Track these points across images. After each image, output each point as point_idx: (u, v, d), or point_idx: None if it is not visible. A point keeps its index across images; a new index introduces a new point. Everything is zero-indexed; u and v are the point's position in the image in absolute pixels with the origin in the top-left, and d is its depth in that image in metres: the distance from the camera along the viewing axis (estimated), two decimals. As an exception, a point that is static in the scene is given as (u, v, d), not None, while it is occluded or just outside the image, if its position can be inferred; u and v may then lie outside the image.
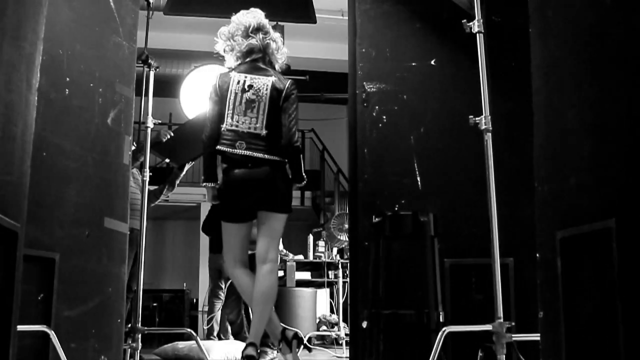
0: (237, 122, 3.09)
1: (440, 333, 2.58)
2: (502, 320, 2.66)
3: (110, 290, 3.17)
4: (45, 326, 2.62)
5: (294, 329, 3.19)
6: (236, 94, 3.11)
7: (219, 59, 3.41)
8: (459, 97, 3.40)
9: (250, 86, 3.12)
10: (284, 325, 3.13)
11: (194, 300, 11.25)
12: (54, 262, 2.80)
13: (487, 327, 2.64)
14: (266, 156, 3.06)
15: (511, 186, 3.09)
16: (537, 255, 2.28)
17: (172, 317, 10.15)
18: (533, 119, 3.41)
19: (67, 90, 3.02)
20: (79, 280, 3.00)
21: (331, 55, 9.72)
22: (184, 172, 4.98)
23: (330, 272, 7.37)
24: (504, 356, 2.64)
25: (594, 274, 1.91)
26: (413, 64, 3.46)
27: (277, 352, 3.13)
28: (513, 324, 2.67)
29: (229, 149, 3.08)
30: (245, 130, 3.08)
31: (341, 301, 6.38)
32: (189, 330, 4.04)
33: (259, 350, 2.94)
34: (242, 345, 5.16)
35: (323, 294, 7.64)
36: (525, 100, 3.41)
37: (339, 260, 6.61)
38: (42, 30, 2.23)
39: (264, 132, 3.08)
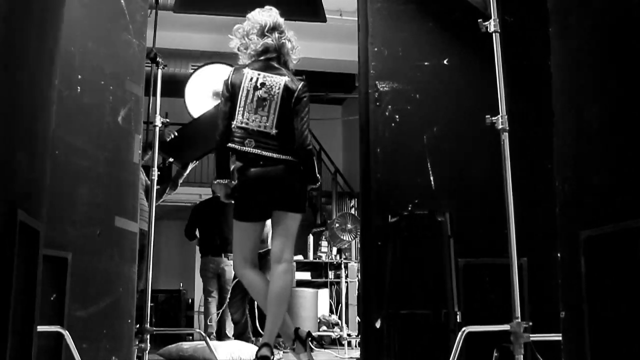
0: (248, 119, 3.07)
1: (460, 333, 2.58)
2: (520, 320, 2.65)
3: (121, 290, 3.14)
4: (59, 327, 2.58)
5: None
6: (248, 91, 3.09)
7: (233, 56, 3.39)
8: (472, 96, 3.40)
9: (263, 84, 3.10)
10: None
11: (189, 301, 11.20)
12: (66, 262, 2.76)
13: (505, 327, 2.63)
14: (275, 155, 3.04)
15: (523, 186, 3.08)
16: (559, 255, 2.27)
17: (168, 318, 10.07)
18: (545, 118, 3.42)
19: (79, 87, 2.99)
20: (91, 280, 2.97)
21: (328, 55, 9.71)
22: (187, 172, 4.95)
23: (330, 272, 7.36)
24: (522, 356, 2.64)
25: (619, 273, 1.90)
26: (425, 63, 3.45)
27: (291, 351, 3.10)
28: (530, 323, 2.66)
29: (238, 146, 3.06)
30: (255, 129, 3.06)
31: (343, 301, 6.37)
32: (198, 330, 4.01)
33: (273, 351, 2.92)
34: (246, 345, 5.17)
35: (322, 294, 7.61)
36: (536, 100, 3.43)
37: (342, 260, 6.60)
38: (61, 25, 2.20)
39: (274, 131, 3.06)
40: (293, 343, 3.03)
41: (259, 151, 3.03)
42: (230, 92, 3.12)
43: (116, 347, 3.08)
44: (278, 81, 3.11)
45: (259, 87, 3.09)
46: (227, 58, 7.77)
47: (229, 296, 5.96)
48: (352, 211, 8.87)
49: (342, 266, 6.48)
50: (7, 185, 1.68)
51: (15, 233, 1.69)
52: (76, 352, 2.58)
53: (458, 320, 2.80)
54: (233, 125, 3.08)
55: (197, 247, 6.89)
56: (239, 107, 3.08)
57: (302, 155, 3.08)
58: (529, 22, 3.38)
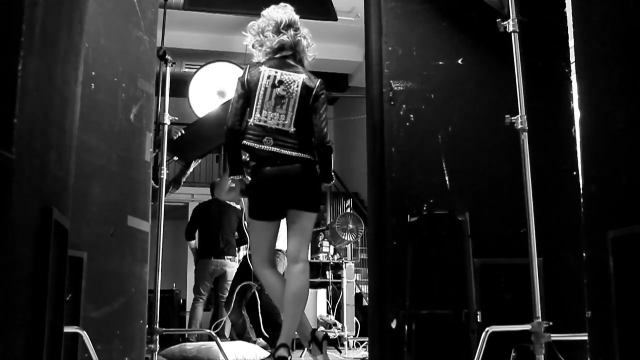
0: (266, 117, 3.04)
1: (484, 333, 2.57)
2: (540, 319, 2.65)
3: (133, 290, 3.10)
4: (77, 327, 2.53)
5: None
6: (266, 88, 3.06)
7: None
8: (487, 96, 3.40)
9: (281, 82, 3.07)
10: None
11: (181, 301, 11.10)
12: (81, 261, 2.71)
13: (527, 326, 2.63)
14: (294, 154, 3.02)
15: (538, 186, 3.08)
16: (584, 254, 2.26)
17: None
18: (559, 119, 3.43)
19: (92, 84, 2.95)
20: (104, 280, 2.93)
21: (321, 54, 9.66)
22: (190, 170, 4.92)
23: (327, 273, 7.34)
24: (543, 356, 2.64)
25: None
26: (440, 62, 3.44)
27: (308, 352, 3.08)
28: (551, 323, 2.67)
29: (256, 145, 3.02)
30: (273, 127, 3.03)
31: (345, 302, 6.35)
32: (207, 330, 3.97)
33: (290, 352, 2.90)
34: (249, 345, 5.14)
35: (319, 294, 7.58)
36: (551, 100, 3.43)
37: (342, 260, 6.59)
38: (85, 19, 2.16)
39: (292, 129, 3.04)
40: (309, 345, 3.01)
41: (277, 149, 3.00)
42: (246, 90, 3.08)
43: (129, 348, 3.04)
44: (296, 79, 3.09)
45: (277, 84, 3.06)
46: (221, 56, 7.74)
47: (226, 297, 5.93)
48: (348, 211, 8.86)
49: (343, 266, 6.46)
50: (42, 183, 1.64)
51: (51, 232, 1.65)
52: (94, 354, 2.54)
53: (478, 320, 2.80)
54: (250, 123, 3.04)
55: (189, 248, 6.83)
56: (257, 104, 3.04)
57: (322, 152, 3.07)
58: (543, 22, 3.39)
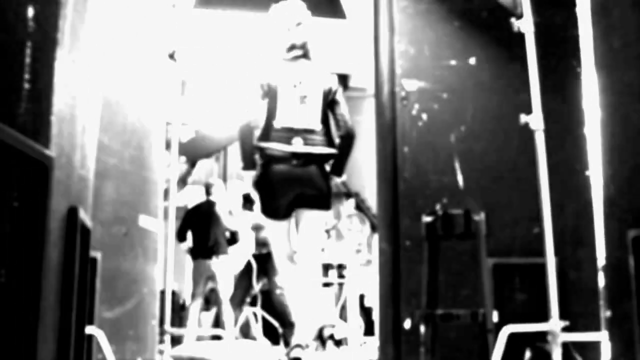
0: (293, 118, 3.04)
1: (501, 333, 2.57)
2: (557, 319, 2.65)
3: (145, 290, 3.09)
4: (93, 327, 2.52)
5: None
6: (288, 89, 3.05)
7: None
8: (499, 95, 3.38)
9: (300, 82, 3.07)
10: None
11: (180, 301, 11.04)
12: (95, 262, 2.70)
13: (544, 326, 2.63)
14: (325, 151, 3.05)
15: (550, 185, 3.07)
16: (604, 254, 2.26)
17: (162, 318, 9.80)
18: (573, 119, 3.42)
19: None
20: (117, 280, 2.91)
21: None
22: (194, 170, 4.91)
23: (330, 273, 7.30)
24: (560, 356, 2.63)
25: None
26: (452, 62, 3.42)
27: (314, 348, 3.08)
28: (568, 323, 2.66)
29: (285, 146, 2.99)
30: (301, 127, 3.03)
31: (349, 302, 6.33)
32: (217, 330, 3.95)
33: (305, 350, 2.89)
34: (256, 344, 5.12)
35: (323, 294, 7.54)
36: (562, 99, 3.42)
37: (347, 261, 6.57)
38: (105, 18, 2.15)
39: (319, 126, 3.06)
40: (315, 340, 3.00)
41: (308, 149, 3.00)
42: (265, 91, 3.07)
43: (141, 348, 3.03)
44: (313, 77, 3.10)
45: (298, 84, 3.06)
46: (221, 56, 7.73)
47: (227, 297, 5.90)
48: (353, 211, 8.83)
49: (347, 266, 6.45)
50: (69, 183, 1.63)
51: (77, 233, 1.64)
52: (111, 354, 2.52)
53: (494, 320, 2.79)
54: (275, 126, 3.02)
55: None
56: (281, 106, 3.03)
57: (348, 141, 3.11)
58: (554, 21, 3.38)
